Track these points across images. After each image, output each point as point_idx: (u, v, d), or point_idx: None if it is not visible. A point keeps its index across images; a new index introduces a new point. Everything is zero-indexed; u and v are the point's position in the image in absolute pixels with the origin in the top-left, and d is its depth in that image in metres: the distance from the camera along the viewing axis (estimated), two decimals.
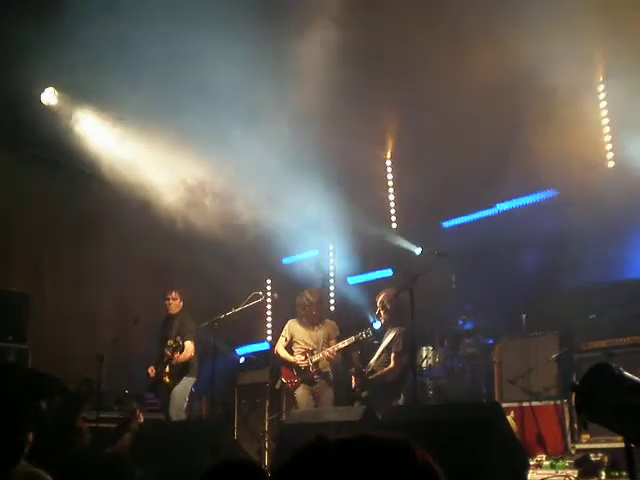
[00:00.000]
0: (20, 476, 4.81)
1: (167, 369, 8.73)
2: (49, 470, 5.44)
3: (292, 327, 8.69)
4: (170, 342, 8.70)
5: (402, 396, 7.75)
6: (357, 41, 7.59)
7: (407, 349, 7.66)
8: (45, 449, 6.73)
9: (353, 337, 8.13)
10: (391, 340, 7.96)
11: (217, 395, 9.44)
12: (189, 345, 8.77)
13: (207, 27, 7.19)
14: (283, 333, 8.78)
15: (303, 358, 8.40)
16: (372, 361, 8.03)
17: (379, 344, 8.07)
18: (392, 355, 7.92)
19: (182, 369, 8.76)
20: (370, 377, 7.93)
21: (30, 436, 4.89)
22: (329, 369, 8.47)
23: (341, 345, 8.25)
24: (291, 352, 8.57)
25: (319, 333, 8.55)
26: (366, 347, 8.29)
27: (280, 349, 8.69)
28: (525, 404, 7.57)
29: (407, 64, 7.81)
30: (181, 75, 7.92)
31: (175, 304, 9.11)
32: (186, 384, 8.75)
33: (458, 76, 7.37)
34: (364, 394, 7.89)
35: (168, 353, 8.73)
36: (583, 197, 7.76)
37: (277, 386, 8.95)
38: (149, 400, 9.05)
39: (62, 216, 10.88)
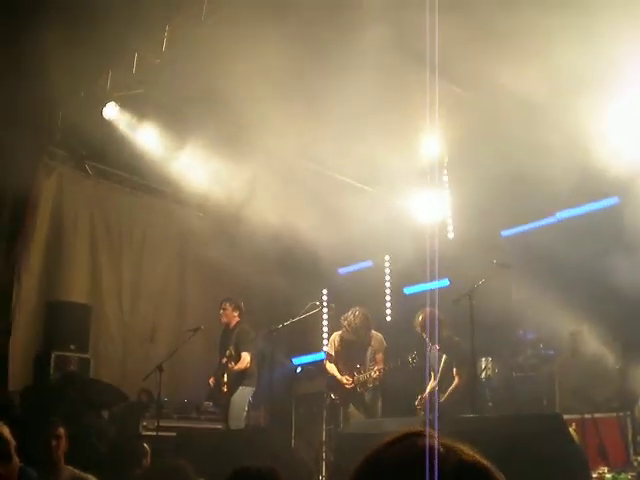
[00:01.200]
0: None
1: (225, 379, 8.81)
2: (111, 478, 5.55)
3: (337, 342, 8.63)
4: (227, 352, 8.78)
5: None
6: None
7: (465, 360, 7.54)
8: (108, 457, 6.89)
9: (399, 360, 8.05)
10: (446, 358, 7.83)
11: (275, 405, 9.50)
12: (245, 355, 8.82)
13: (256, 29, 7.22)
14: (328, 348, 8.76)
15: (348, 378, 8.34)
16: (432, 383, 7.89)
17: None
18: (454, 370, 7.80)
19: (240, 378, 8.81)
20: (441, 401, 7.68)
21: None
22: (377, 383, 8.34)
23: (387, 368, 8.17)
24: (339, 367, 8.53)
25: (364, 348, 8.45)
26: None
27: (327, 364, 8.67)
28: (587, 416, 7.41)
29: (463, 68, 7.72)
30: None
31: (227, 314, 9.16)
32: (245, 393, 8.79)
33: (516, 81, 7.25)
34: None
35: (225, 363, 8.81)
36: None
37: (327, 401, 8.93)
38: (208, 409, 9.12)
39: (121, 229, 11.11)
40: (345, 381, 8.34)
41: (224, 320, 9.17)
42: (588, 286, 8.08)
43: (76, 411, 7.52)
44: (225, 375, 8.79)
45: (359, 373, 8.32)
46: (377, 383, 8.31)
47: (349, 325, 8.38)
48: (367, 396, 8.34)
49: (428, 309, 7.75)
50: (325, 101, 8.10)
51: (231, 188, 9.92)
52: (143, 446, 7.09)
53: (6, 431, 3.54)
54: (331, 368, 8.59)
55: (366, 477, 1.21)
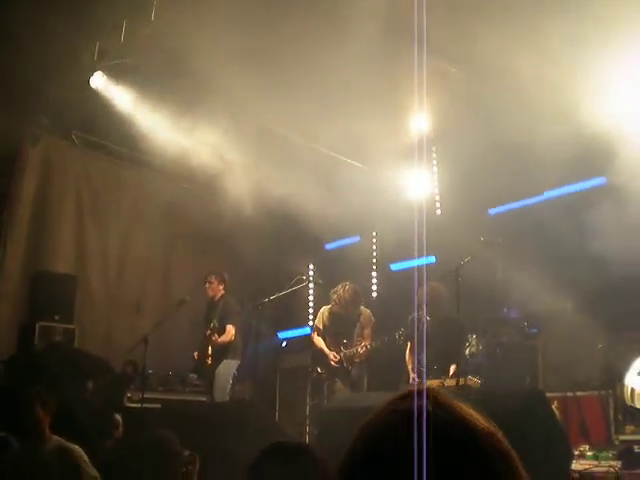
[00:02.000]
0: (54, 451, 4.92)
1: (209, 351, 8.83)
2: (96, 449, 5.56)
3: (325, 316, 8.64)
4: (212, 325, 8.80)
5: None
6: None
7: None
8: (92, 428, 6.89)
9: (386, 337, 8.07)
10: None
11: (259, 379, 9.53)
12: (230, 328, 8.84)
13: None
14: (316, 322, 8.78)
15: (336, 355, 8.36)
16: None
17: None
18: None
19: (224, 351, 8.84)
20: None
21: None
22: (364, 358, 8.37)
23: (374, 344, 8.19)
24: (326, 342, 8.55)
25: (352, 322, 8.47)
26: None
27: (315, 338, 8.69)
28: (569, 394, 7.48)
29: (452, 44, 7.65)
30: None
31: (213, 287, 9.18)
32: (229, 366, 8.82)
33: (505, 56, 7.21)
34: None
35: (209, 335, 8.82)
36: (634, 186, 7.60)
37: (314, 374, 8.96)
38: (193, 382, 9.14)
39: (107, 200, 11.04)
40: (332, 357, 8.37)
41: (210, 293, 9.18)
42: (573, 265, 8.11)
43: (60, 381, 7.51)
44: (209, 347, 8.81)
45: (346, 348, 8.35)
46: (363, 358, 8.34)
47: (338, 299, 8.37)
48: (353, 371, 8.38)
49: (431, 283, 7.59)
50: (314, 77, 8.06)
51: (219, 160, 9.85)
52: (114, 417, 7.11)
53: None
54: (318, 342, 8.61)
55: (359, 443, 1.22)
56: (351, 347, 8.31)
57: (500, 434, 1.21)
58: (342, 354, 8.34)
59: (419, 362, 7.51)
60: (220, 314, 8.91)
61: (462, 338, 7.82)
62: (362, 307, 8.58)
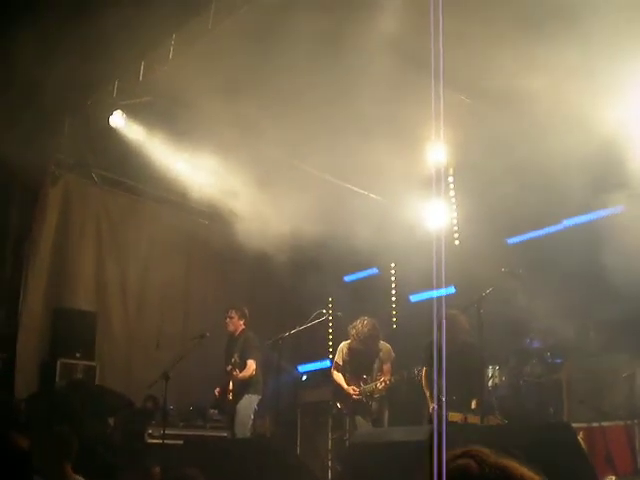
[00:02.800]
0: None
1: (230, 386, 8.80)
2: None
3: (344, 352, 8.58)
4: (233, 360, 8.78)
5: None
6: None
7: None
8: (114, 463, 6.88)
9: (405, 373, 8.02)
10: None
11: (280, 413, 9.47)
12: (251, 363, 8.81)
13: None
14: (336, 358, 8.73)
15: (355, 389, 8.30)
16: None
17: None
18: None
19: (245, 386, 8.80)
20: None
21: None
22: (384, 393, 8.28)
23: (393, 380, 8.10)
24: (346, 377, 8.48)
25: (372, 358, 8.39)
26: None
27: (334, 374, 8.63)
28: (594, 424, 7.37)
29: (468, 76, 7.68)
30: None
31: (234, 322, 9.16)
32: (250, 401, 8.77)
33: (523, 88, 7.23)
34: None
35: (231, 370, 8.80)
36: None
37: (333, 410, 8.89)
38: (214, 417, 9.11)
39: (126, 236, 11.12)
40: (352, 391, 8.31)
41: (230, 328, 9.16)
42: (595, 293, 8.04)
43: (82, 419, 7.52)
44: (230, 383, 8.78)
45: (365, 383, 8.29)
46: (383, 394, 8.27)
47: (357, 334, 8.32)
48: (374, 406, 8.30)
49: (449, 311, 7.42)
50: (331, 109, 8.11)
51: (235, 195, 9.92)
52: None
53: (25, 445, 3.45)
54: (338, 377, 8.56)
55: None
56: (371, 382, 8.25)
57: None
58: (361, 389, 8.27)
59: (439, 390, 7.42)
60: (241, 349, 8.89)
61: (482, 368, 7.71)
62: (382, 342, 8.49)
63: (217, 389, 9.06)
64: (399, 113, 8.23)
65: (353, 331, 8.37)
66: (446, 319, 7.44)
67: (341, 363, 8.57)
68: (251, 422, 8.74)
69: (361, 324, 8.33)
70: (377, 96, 7.80)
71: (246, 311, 9.24)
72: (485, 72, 7.33)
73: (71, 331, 9.87)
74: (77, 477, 4.96)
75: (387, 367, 8.34)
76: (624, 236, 7.77)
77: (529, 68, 6.99)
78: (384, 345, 8.48)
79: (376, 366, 8.35)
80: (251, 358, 8.83)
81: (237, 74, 7.54)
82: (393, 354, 8.43)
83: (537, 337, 8.42)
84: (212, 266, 11.36)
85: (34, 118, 8.00)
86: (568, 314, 8.01)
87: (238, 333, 9.12)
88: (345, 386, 8.39)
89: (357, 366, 8.43)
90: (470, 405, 7.33)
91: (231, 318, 9.15)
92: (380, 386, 8.12)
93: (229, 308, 9.26)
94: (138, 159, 9.87)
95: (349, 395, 8.33)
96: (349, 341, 8.53)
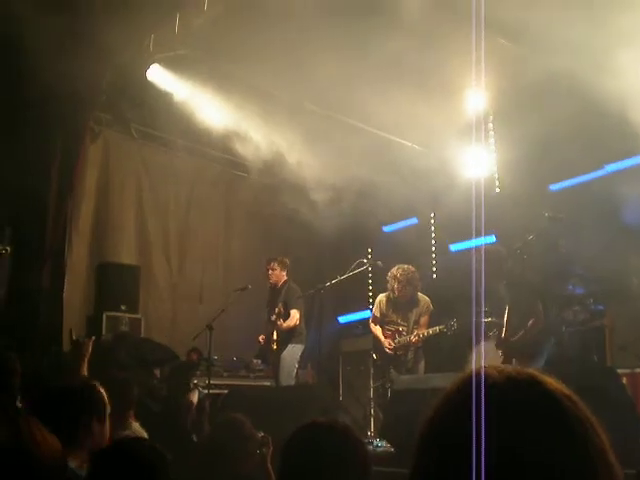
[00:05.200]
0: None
1: (274, 336, 8.91)
2: (166, 436, 5.67)
3: (382, 304, 8.54)
4: (277, 310, 8.88)
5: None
6: None
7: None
8: (160, 414, 7.04)
9: (438, 328, 7.94)
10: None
11: (322, 362, 9.58)
12: (294, 313, 8.90)
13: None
14: (374, 310, 8.73)
15: (390, 343, 8.28)
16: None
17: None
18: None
19: (289, 336, 8.91)
20: (513, 339, 7.25)
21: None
22: (420, 344, 8.28)
23: (426, 333, 8.08)
24: (383, 329, 8.47)
25: (409, 310, 8.36)
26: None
27: (372, 326, 8.63)
28: (637, 370, 7.34)
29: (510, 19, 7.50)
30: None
31: (276, 274, 9.22)
32: (294, 350, 8.89)
33: (565, 32, 7.03)
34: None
35: (274, 320, 8.91)
36: None
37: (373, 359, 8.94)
38: (258, 367, 9.25)
39: (167, 191, 11.20)
40: (387, 345, 8.32)
41: (272, 279, 9.23)
42: (637, 238, 7.92)
43: (129, 370, 7.68)
44: (275, 333, 8.90)
45: (400, 336, 8.29)
46: (419, 345, 8.28)
47: (394, 280, 8.29)
48: (409, 357, 8.30)
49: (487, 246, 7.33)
50: (368, 58, 8.00)
51: (276, 147, 9.90)
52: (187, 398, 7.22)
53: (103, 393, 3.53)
54: (375, 330, 8.54)
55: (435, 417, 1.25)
56: (407, 334, 8.22)
57: (579, 399, 1.22)
58: (396, 342, 8.27)
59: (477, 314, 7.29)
60: (284, 300, 8.98)
61: (534, 297, 7.41)
62: (420, 294, 8.43)
63: (261, 336, 9.19)
64: (437, 62, 8.10)
65: (390, 279, 8.34)
66: (490, 252, 7.34)
67: (379, 315, 8.54)
68: (295, 371, 8.87)
69: (399, 272, 8.27)
70: (414, 45, 7.67)
71: (287, 262, 9.30)
72: (528, 16, 7.14)
73: (115, 285, 10.04)
74: (136, 424, 5.08)
75: (424, 320, 8.28)
76: None
77: (575, 12, 6.80)
78: (422, 297, 8.41)
79: (414, 317, 8.33)
80: (294, 308, 8.93)
81: (275, 23, 7.44)
82: (431, 307, 8.36)
83: (579, 283, 8.34)
84: (253, 218, 11.40)
85: (73, 73, 7.97)
86: (610, 260, 7.92)
87: (280, 284, 9.20)
88: (382, 338, 8.41)
89: (394, 317, 8.41)
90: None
91: (273, 270, 9.21)
92: (413, 339, 8.12)
93: (270, 260, 9.32)
94: (176, 113, 9.88)
95: (384, 347, 8.35)
96: (387, 293, 8.52)
